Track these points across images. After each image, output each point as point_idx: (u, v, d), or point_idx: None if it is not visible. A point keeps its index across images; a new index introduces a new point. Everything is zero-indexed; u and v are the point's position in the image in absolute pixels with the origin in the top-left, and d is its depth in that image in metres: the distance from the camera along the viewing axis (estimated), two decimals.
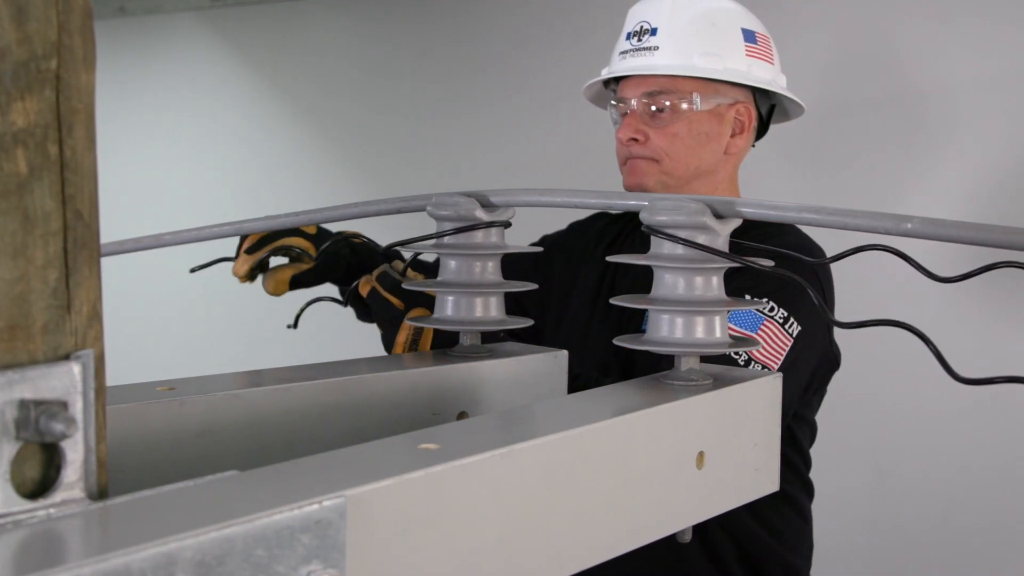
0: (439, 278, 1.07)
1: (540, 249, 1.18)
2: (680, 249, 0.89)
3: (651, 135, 1.58)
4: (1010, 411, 2.41)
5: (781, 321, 1.42)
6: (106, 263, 0.62)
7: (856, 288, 2.27)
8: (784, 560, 1.60)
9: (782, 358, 1.41)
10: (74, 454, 0.55)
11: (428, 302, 1.21)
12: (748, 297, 1.37)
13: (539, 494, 0.70)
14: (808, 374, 1.54)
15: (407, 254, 1.34)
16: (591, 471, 0.74)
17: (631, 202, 0.99)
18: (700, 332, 0.90)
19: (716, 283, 0.91)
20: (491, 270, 1.05)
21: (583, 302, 1.66)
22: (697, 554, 1.53)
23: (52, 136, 0.54)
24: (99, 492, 0.56)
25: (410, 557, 0.61)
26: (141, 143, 4.25)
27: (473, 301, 1.04)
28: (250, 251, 1.37)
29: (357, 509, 0.57)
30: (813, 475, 1.69)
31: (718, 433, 0.87)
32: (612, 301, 0.96)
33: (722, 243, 0.90)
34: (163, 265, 3.87)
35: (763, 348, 1.39)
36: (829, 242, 1.48)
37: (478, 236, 1.04)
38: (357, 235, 1.33)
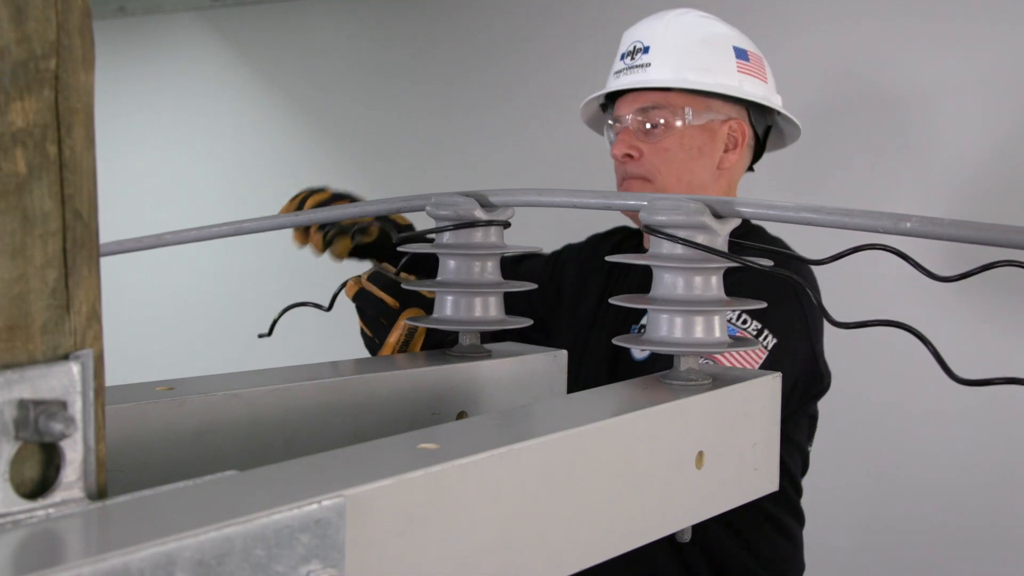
0: (438, 278, 1.07)
1: (539, 248, 1.19)
2: (679, 249, 0.89)
3: (645, 151, 1.60)
4: (1009, 412, 2.40)
5: (755, 333, 1.43)
6: (106, 263, 0.62)
7: (854, 288, 2.27)
8: None
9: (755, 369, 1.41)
10: (73, 454, 0.55)
11: (421, 302, 1.21)
12: None
13: (538, 494, 0.70)
14: (787, 387, 1.53)
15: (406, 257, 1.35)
16: (590, 471, 0.74)
17: (630, 202, 0.99)
18: (699, 332, 0.90)
19: (715, 283, 0.91)
20: (490, 270, 1.05)
21: (588, 309, 1.68)
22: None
23: (51, 136, 0.54)
24: (98, 492, 0.56)
25: (409, 557, 0.61)
26: (141, 143, 4.25)
27: (472, 301, 1.04)
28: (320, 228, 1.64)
29: (356, 509, 0.57)
30: (812, 475, 1.69)
31: (718, 433, 0.87)
32: (611, 300, 0.97)
33: (721, 243, 0.90)
34: (163, 265, 3.89)
35: (733, 360, 1.40)
36: (827, 242, 1.47)
37: (477, 236, 1.04)
38: (402, 217, 1.55)
